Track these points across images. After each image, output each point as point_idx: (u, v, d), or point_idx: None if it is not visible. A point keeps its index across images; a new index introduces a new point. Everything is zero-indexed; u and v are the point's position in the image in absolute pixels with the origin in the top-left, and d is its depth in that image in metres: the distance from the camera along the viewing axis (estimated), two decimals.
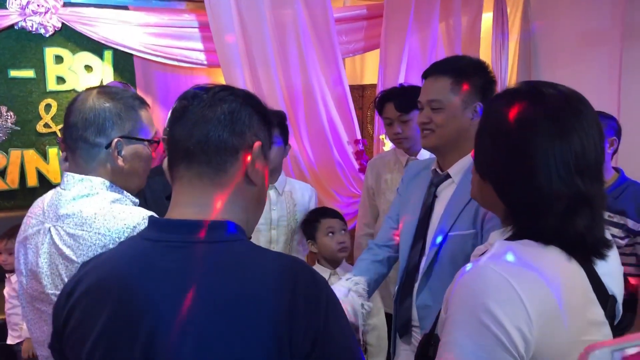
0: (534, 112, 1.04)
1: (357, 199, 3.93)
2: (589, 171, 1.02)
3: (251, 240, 1.04)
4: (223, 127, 0.99)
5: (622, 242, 2.34)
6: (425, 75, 1.85)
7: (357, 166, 3.93)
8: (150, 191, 2.23)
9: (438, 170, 1.87)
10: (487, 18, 3.91)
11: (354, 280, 1.90)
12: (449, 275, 1.72)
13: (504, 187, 1.07)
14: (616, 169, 2.51)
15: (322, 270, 2.46)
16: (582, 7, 3.48)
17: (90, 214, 1.30)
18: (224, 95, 1.02)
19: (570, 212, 1.01)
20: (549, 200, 1.01)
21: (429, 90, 1.81)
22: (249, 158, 1.01)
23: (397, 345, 1.99)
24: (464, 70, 1.78)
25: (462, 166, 1.80)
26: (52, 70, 3.79)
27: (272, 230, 2.57)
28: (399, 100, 2.55)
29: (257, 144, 1.03)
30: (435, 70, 1.83)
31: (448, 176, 1.83)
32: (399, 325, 1.93)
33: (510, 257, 1.00)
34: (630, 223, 2.34)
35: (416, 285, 1.84)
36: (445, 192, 1.83)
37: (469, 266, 1.03)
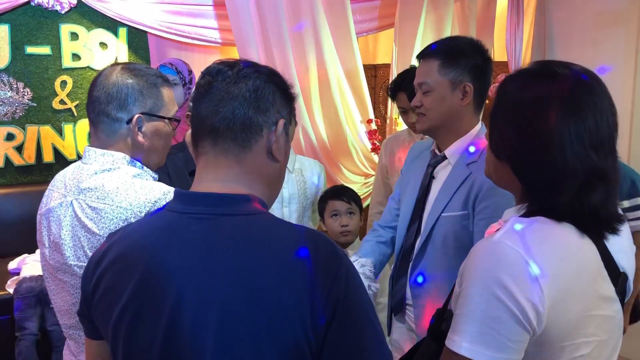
0: (547, 91, 1.05)
1: (369, 178, 3.94)
2: (603, 146, 1.03)
3: None
4: (248, 105, 1.01)
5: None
6: (418, 58, 1.84)
7: (369, 146, 3.93)
8: (173, 167, 2.27)
9: (436, 151, 1.87)
10: None
11: (360, 262, 1.91)
12: (440, 255, 1.75)
13: (520, 165, 1.08)
14: None
15: None
16: None
17: (112, 187, 1.33)
18: (248, 72, 1.04)
19: (586, 187, 1.02)
20: (564, 176, 1.02)
21: (419, 74, 1.81)
22: (272, 135, 1.03)
23: (392, 323, 2.01)
24: (453, 50, 1.75)
25: (458, 147, 1.80)
26: (67, 47, 3.81)
27: (284, 208, 2.59)
28: (410, 90, 2.52)
29: (280, 121, 1.05)
30: (426, 53, 1.81)
31: (445, 157, 1.83)
32: (393, 304, 1.95)
33: (524, 233, 1.02)
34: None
35: (411, 264, 1.86)
36: (442, 173, 1.83)
37: (483, 242, 1.05)
